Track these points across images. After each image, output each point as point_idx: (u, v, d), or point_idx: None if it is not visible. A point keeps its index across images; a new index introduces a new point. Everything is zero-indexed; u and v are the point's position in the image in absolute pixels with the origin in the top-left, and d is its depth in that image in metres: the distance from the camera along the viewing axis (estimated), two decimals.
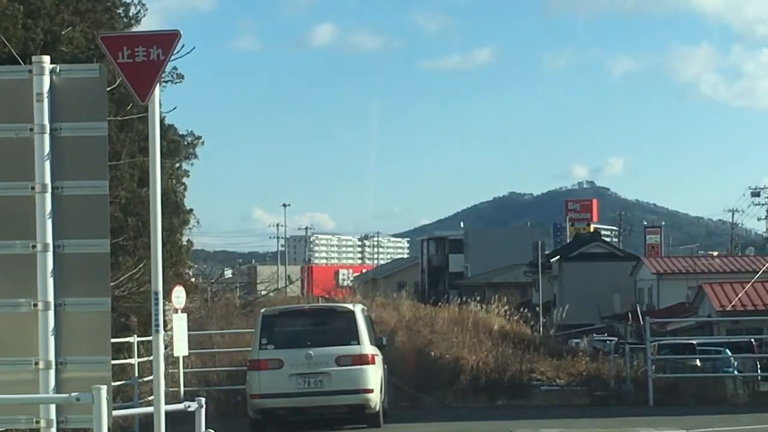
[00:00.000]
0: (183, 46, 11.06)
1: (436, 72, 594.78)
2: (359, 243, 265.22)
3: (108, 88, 8.99)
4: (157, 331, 10.08)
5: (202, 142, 32.24)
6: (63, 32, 23.74)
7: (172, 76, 28.75)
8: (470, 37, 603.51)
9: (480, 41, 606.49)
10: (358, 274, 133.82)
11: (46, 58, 8.51)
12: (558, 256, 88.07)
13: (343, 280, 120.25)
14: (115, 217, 24.02)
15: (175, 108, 32.42)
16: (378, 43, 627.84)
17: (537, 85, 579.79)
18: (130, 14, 28.16)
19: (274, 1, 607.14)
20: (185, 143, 31.37)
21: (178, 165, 31.32)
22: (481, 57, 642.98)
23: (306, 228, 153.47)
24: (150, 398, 18.13)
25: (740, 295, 48.43)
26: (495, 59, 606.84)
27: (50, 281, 8.35)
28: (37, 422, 8.32)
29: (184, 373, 23.93)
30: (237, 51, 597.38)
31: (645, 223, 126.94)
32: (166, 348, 21.11)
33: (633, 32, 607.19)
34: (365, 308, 24.50)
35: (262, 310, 23.52)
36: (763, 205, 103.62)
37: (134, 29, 26.85)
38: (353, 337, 21.78)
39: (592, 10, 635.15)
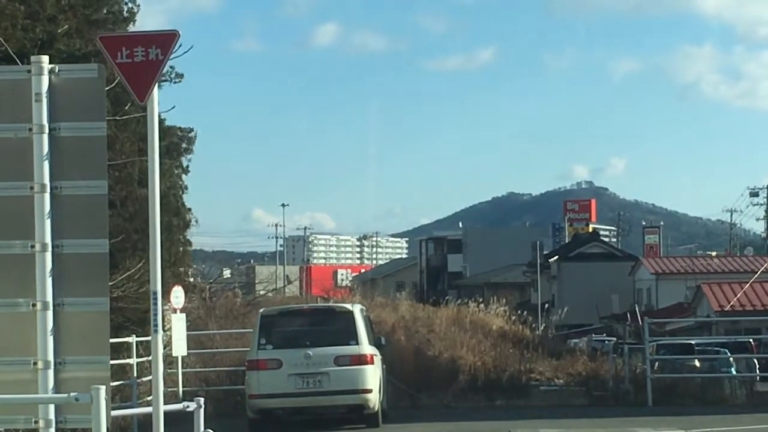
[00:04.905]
0: (180, 45, 11.06)
1: (438, 72, 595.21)
2: (358, 243, 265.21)
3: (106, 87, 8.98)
4: (156, 331, 10.07)
5: (195, 135, 32.13)
6: (59, 30, 23.68)
7: (170, 75, 28.67)
8: (473, 37, 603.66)
9: (483, 42, 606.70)
10: (357, 274, 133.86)
11: (45, 58, 8.50)
12: (557, 256, 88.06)
13: (342, 280, 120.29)
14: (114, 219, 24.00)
15: (173, 107, 32.36)
16: (380, 44, 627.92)
17: (538, 85, 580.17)
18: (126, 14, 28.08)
19: (277, 1, 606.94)
20: (178, 136, 31.24)
21: (178, 164, 31.26)
22: (484, 57, 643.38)
23: (305, 228, 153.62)
24: (149, 398, 18.09)
25: (739, 295, 48.41)
26: (497, 60, 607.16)
27: (49, 281, 8.34)
28: (36, 422, 8.31)
29: (182, 373, 23.89)
30: (239, 51, 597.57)
31: (644, 223, 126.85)
32: (164, 348, 21.11)
33: (635, 33, 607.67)
34: (364, 308, 24.48)
35: (261, 310, 23.47)
36: (761, 205, 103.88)
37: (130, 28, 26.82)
38: (352, 337, 21.75)
39: (594, 11, 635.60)
